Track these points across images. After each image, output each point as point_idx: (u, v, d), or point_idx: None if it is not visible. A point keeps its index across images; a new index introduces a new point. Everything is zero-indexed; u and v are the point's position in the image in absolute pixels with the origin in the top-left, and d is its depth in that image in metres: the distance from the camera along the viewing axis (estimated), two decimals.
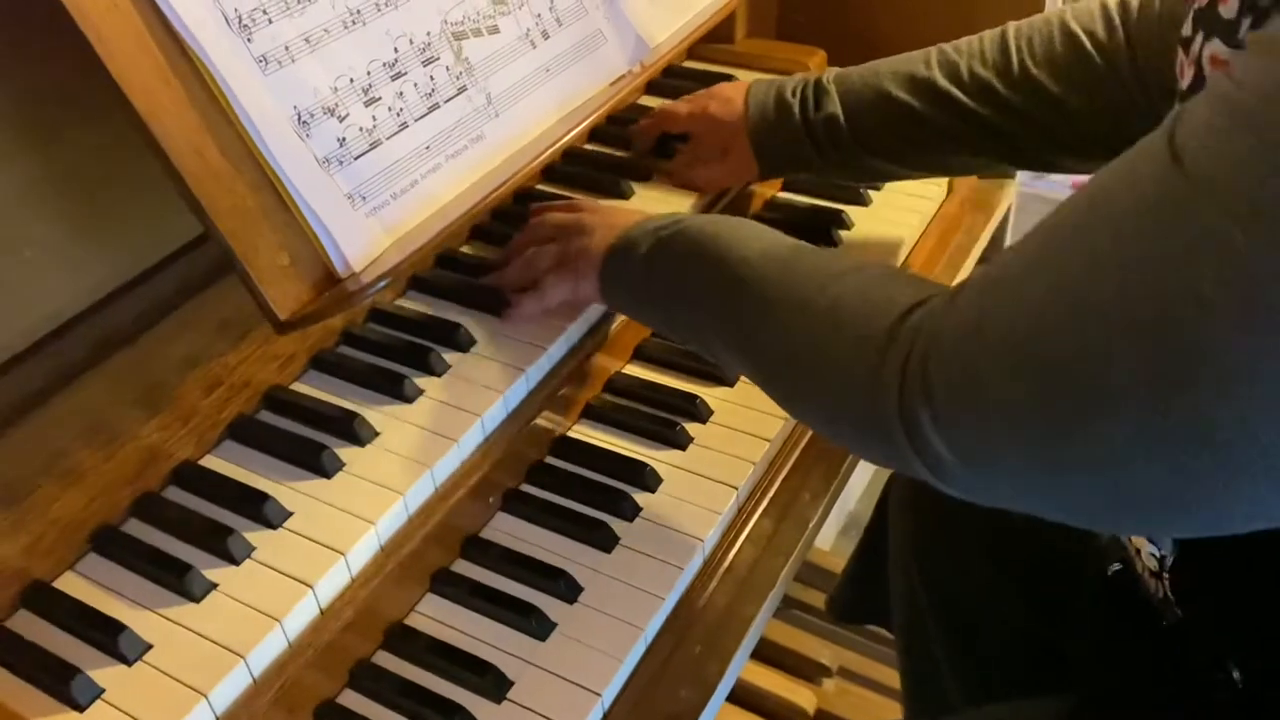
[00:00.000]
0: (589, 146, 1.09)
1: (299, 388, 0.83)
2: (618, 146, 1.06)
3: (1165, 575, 0.73)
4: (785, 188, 1.17)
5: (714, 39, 1.23)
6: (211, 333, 0.77)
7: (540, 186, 1.00)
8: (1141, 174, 0.49)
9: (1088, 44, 0.87)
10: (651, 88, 1.19)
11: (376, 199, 0.59)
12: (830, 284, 0.67)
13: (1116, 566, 0.82)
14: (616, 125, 1.12)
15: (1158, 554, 0.74)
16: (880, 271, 0.67)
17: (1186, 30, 0.60)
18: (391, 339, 0.87)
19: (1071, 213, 0.53)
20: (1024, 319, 0.52)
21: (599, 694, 0.72)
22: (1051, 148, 0.92)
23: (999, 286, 0.55)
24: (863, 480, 2.01)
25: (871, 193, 1.15)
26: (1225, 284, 0.44)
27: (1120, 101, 0.86)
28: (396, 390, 0.82)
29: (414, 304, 0.91)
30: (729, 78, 1.18)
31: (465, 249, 0.96)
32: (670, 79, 1.20)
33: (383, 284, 0.59)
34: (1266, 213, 0.43)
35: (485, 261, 0.92)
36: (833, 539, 1.92)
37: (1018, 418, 0.53)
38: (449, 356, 0.85)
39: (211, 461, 0.78)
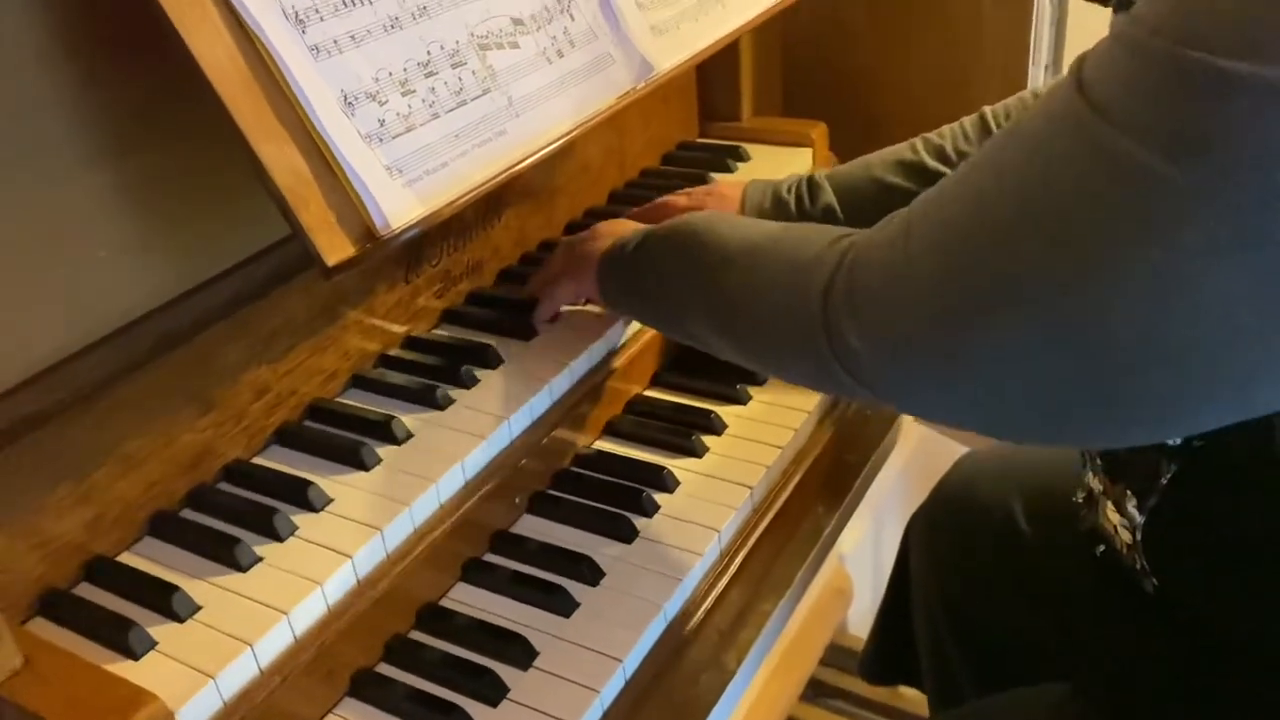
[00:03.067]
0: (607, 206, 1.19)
1: (341, 400, 0.91)
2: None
3: (1139, 546, 0.77)
4: None
5: (723, 117, 1.33)
6: (263, 341, 0.84)
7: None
8: (1050, 103, 0.54)
9: None
10: (667, 159, 1.29)
11: (412, 173, 0.67)
12: (780, 233, 0.74)
13: (1101, 548, 0.85)
14: (634, 189, 1.22)
15: (1130, 526, 0.78)
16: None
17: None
18: (426, 359, 0.94)
19: (992, 143, 0.59)
20: (943, 230, 0.58)
21: (620, 660, 0.76)
22: None
23: (924, 206, 0.61)
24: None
25: None
26: (1113, 183, 0.49)
27: None
28: (430, 399, 0.88)
29: (446, 332, 0.99)
30: (738, 150, 1.28)
31: (493, 290, 1.05)
32: (684, 151, 1.30)
33: (414, 232, 0.67)
34: (1145, 127, 0.48)
35: (511, 297, 1.01)
36: (868, 625, 1.91)
37: (929, 314, 0.57)
38: (479, 373, 0.92)
39: (260, 461, 0.85)
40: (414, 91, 0.68)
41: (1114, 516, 0.79)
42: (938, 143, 0.99)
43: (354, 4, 0.66)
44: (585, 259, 0.92)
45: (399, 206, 0.66)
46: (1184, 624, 0.78)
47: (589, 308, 0.99)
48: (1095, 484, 0.82)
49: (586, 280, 0.91)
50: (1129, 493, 0.76)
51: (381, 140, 0.66)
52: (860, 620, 1.90)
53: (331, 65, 0.65)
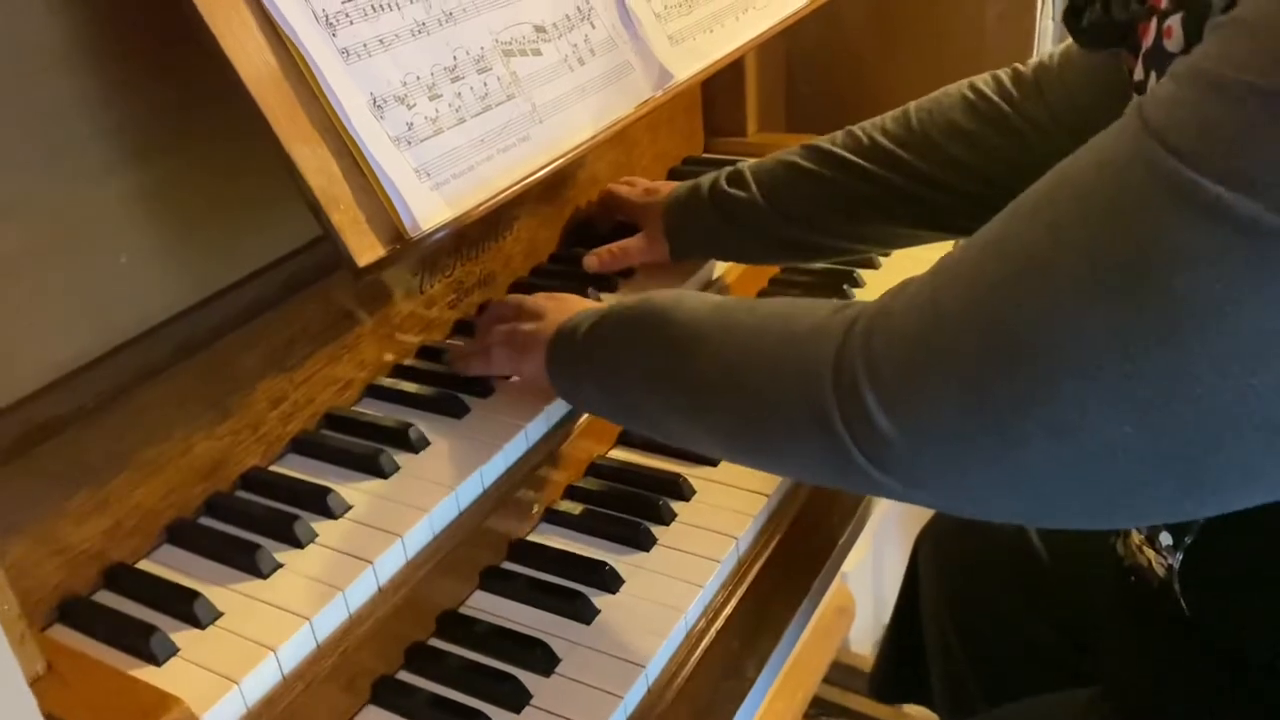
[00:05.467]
0: None
1: (357, 409, 0.90)
2: None
3: (1175, 579, 0.76)
4: None
5: (727, 133, 1.35)
6: (280, 349, 0.84)
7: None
8: (1108, 150, 0.49)
9: (982, 104, 0.93)
10: (672, 174, 1.30)
11: (440, 176, 0.67)
12: (759, 306, 0.66)
13: (1131, 579, 0.85)
14: None
15: (1164, 562, 0.77)
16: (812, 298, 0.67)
17: (1138, 75, 0.63)
18: (440, 368, 0.94)
19: (1030, 194, 0.53)
20: (985, 291, 0.51)
21: (643, 666, 0.75)
22: (976, 212, 0.88)
23: (955, 267, 0.54)
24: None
25: (881, 259, 1.22)
26: (1201, 233, 0.44)
27: (1024, 159, 0.88)
28: (446, 408, 0.88)
29: (460, 341, 0.99)
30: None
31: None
32: (689, 166, 1.31)
33: (441, 234, 0.67)
34: (1238, 168, 0.43)
35: None
36: (870, 646, 1.91)
37: (976, 386, 0.51)
38: (495, 382, 0.92)
39: (277, 469, 0.84)
40: (441, 96, 0.68)
41: (1147, 550, 0.79)
42: (856, 133, 0.99)
43: (382, 9, 0.67)
44: (532, 338, 0.84)
45: (428, 209, 0.66)
46: (1217, 645, 0.78)
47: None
48: None
49: (531, 363, 0.84)
50: (1163, 528, 0.75)
51: (410, 143, 0.66)
52: (862, 638, 1.90)
53: (361, 68, 0.65)
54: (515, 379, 0.91)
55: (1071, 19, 0.72)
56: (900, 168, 0.95)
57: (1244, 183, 0.43)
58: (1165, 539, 0.75)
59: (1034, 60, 0.95)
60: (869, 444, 0.55)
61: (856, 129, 0.99)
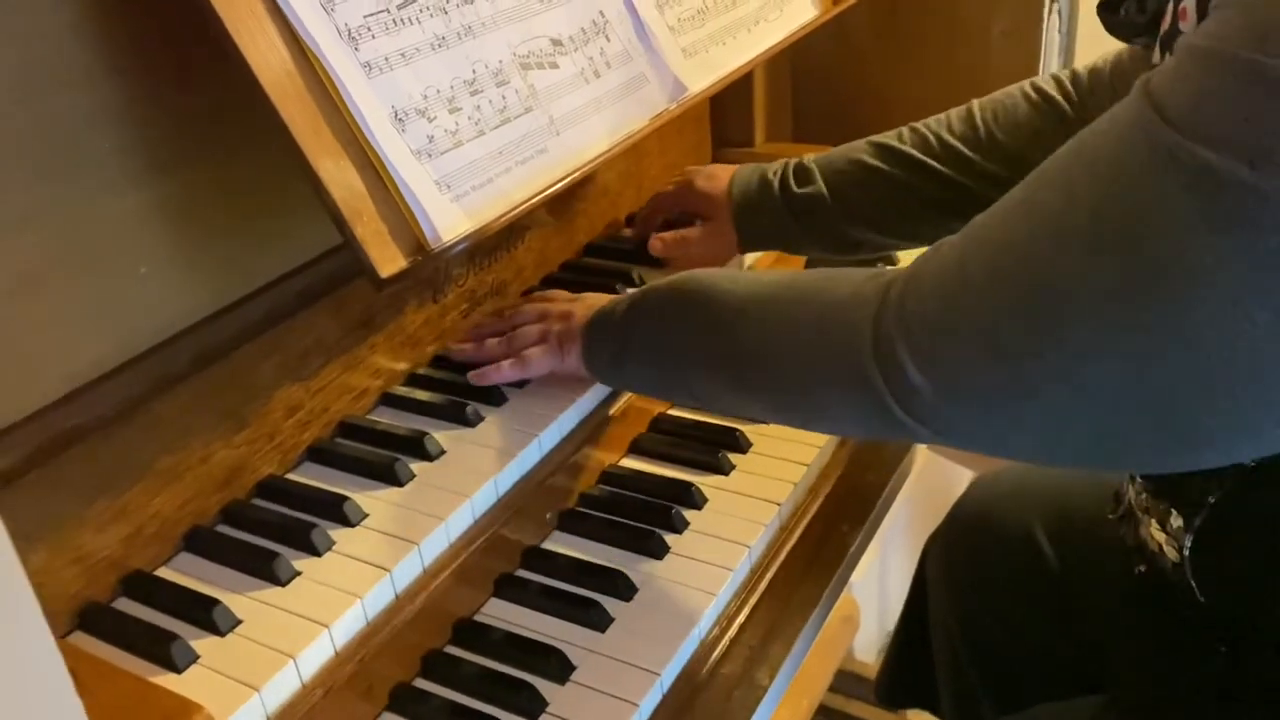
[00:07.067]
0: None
1: (371, 418, 0.91)
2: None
3: (1186, 563, 0.77)
4: None
5: (735, 143, 1.35)
6: (295, 359, 0.85)
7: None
8: (1118, 120, 0.53)
9: (1045, 106, 0.96)
10: None
11: (459, 188, 0.68)
12: (796, 279, 0.71)
13: (1141, 569, 0.85)
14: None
15: (1176, 544, 0.78)
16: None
17: (1155, 59, 0.66)
18: (455, 377, 0.94)
19: (1053, 160, 0.57)
20: (1006, 251, 0.56)
21: (658, 674, 0.76)
22: None
23: (983, 230, 0.59)
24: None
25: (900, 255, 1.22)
26: (1191, 195, 0.48)
27: None
28: (460, 417, 0.89)
29: None
30: None
31: None
32: None
33: (462, 245, 0.68)
34: (1226, 135, 0.47)
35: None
36: (874, 655, 1.92)
37: (995, 343, 0.55)
38: (508, 391, 0.92)
39: (293, 477, 0.85)
40: (460, 109, 0.69)
41: (1158, 534, 0.80)
42: (923, 132, 1.00)
43: (403, 23, 0.67)
44: (566, 333, 0.88)
45: (448, 221, 0.67)
46: (1229, 635, 0.78)
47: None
48: (1135, 500, 0.82)
49: (571, 355, 0.88)
50: (1174, 511, 0.76)
51: (431, 156, 0.67)
52: (867, 646, 1.90)
53: (383, 82, 0.66)
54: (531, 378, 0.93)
55: (1105, 12, 0.75)
56: (969, 169, 0.96)
57: (1231, 148, 0.46)
58: (1176, 520, 0.76)
59: (1087, 65, 0.98)
60: (905, 398, 0.60)
61: (922, 127, 1.01)
